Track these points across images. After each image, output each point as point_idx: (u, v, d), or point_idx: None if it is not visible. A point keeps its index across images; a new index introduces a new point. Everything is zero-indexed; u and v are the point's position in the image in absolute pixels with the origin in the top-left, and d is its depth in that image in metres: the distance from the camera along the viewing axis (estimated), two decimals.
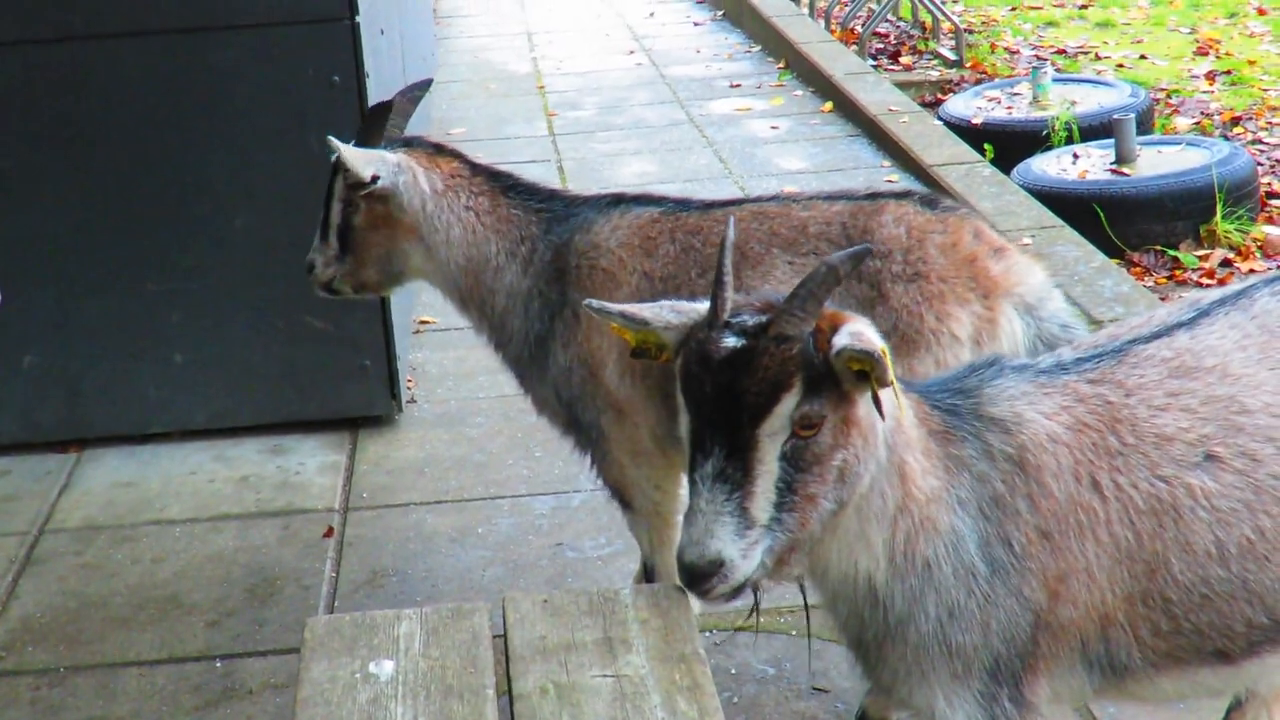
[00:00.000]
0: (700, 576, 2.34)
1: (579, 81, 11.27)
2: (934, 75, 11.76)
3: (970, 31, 12.88)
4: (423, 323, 6.57)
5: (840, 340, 2.37)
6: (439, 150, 4.06)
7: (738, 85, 10.80)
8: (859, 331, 2.40)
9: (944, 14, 12.34)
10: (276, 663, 4.26)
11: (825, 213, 3.66)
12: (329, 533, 4.93)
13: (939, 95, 11.15)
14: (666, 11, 14.07)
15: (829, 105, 9.90)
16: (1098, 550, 2.53)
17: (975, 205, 7.41)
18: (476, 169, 4.04)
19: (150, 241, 5.33)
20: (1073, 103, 9.40)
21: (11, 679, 4.23)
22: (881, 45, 12.77)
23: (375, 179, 3.88)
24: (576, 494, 5.08)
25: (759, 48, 12.03)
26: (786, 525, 2.39)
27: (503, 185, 4.02)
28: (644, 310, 2.60)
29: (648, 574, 4.05)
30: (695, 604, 2.55)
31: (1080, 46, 12.62)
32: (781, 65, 11.23)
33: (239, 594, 4.61)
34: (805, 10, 13.04)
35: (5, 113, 5.13)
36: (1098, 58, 12.17)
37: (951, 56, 12.01)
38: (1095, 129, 8.96)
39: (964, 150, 8.37)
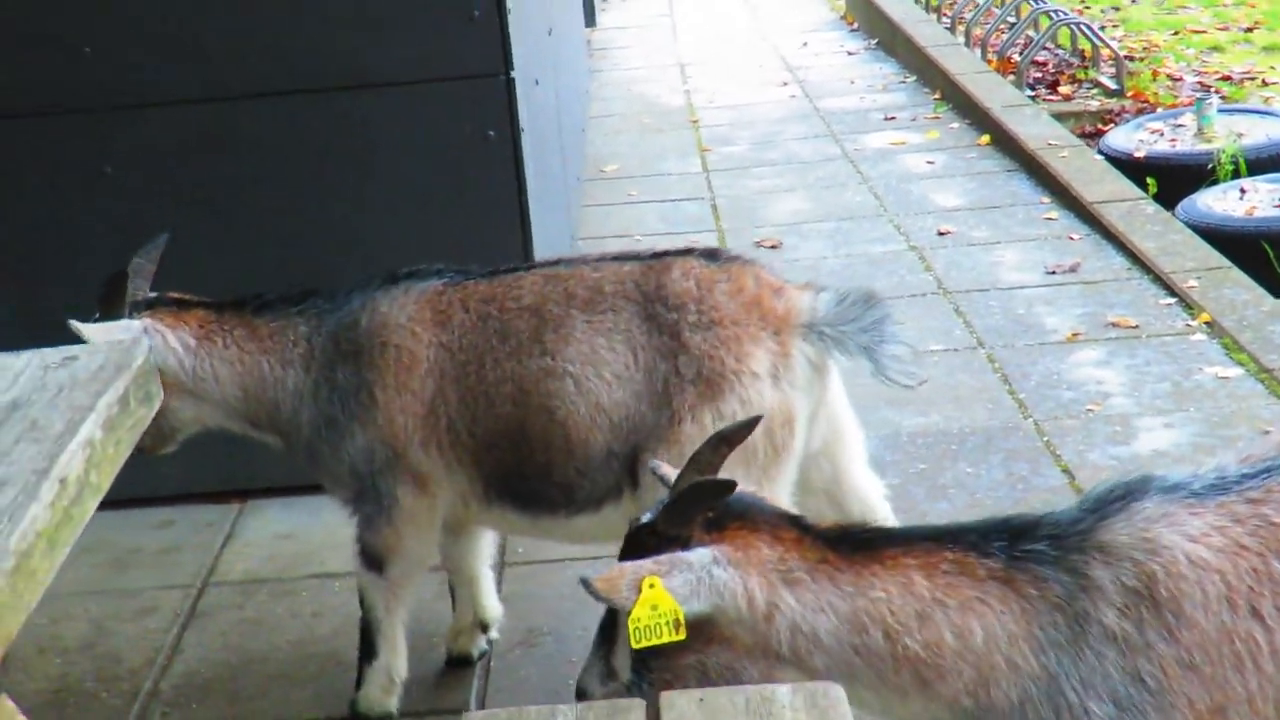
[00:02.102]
0: (580, 695, 2.85)
1: (732, 115, 11.26)
2: (1094, 105, 11.55)
3: (1131, 59, 12.62)
4: None
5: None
6: (182, 305, 4.07)
7: (892, 118, 10.71)
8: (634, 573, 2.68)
9: (1103, 41, 12.12)
10: None
11: (618, 272, 3.82)
12: None
13: (1099, 126, 10.94)
14: (820, 41, 14.01)
15: (986, 138, 9.77)
16: (1261, 680, 2.43)
17: (1138, 245, 7.24)
18: (223, 308, 4.07)
19: None
20: (1239, 134, 9.17)
21: None
22: (1039, 74, 12.57)
23: None
24: None
25: (914, 78, 11.92)
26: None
27: (253, 308, 4.07)
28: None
29: (366, 635, 4.15)
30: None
31: (1246, 72, 12.32)
32: (937, 96, 11.11)
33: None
34: (961, 39, 12.88)
35: (157, 173, 5.23)
36: (1265, 84, 11.86)
37: (1112, 85, 11.78)
38: (1264, 162, 8.72)
39: (1125, 186, 8.20)
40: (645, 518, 2.81)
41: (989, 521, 2.71)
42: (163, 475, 5.45)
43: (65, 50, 5.08)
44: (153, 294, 4.07)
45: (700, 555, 2.68)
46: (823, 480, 3.97)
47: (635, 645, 2.65)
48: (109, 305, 3.95)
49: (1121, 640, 2.47)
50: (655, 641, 2.63)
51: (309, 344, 3.98)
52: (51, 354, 2.20)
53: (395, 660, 4.19)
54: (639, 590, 2.61)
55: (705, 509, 2.72)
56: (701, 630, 2.67)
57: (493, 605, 4.55)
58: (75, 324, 3.80)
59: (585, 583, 2.69)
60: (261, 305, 4.08)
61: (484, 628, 4.54)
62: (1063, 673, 2.48)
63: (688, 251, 3.88)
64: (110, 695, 4.48)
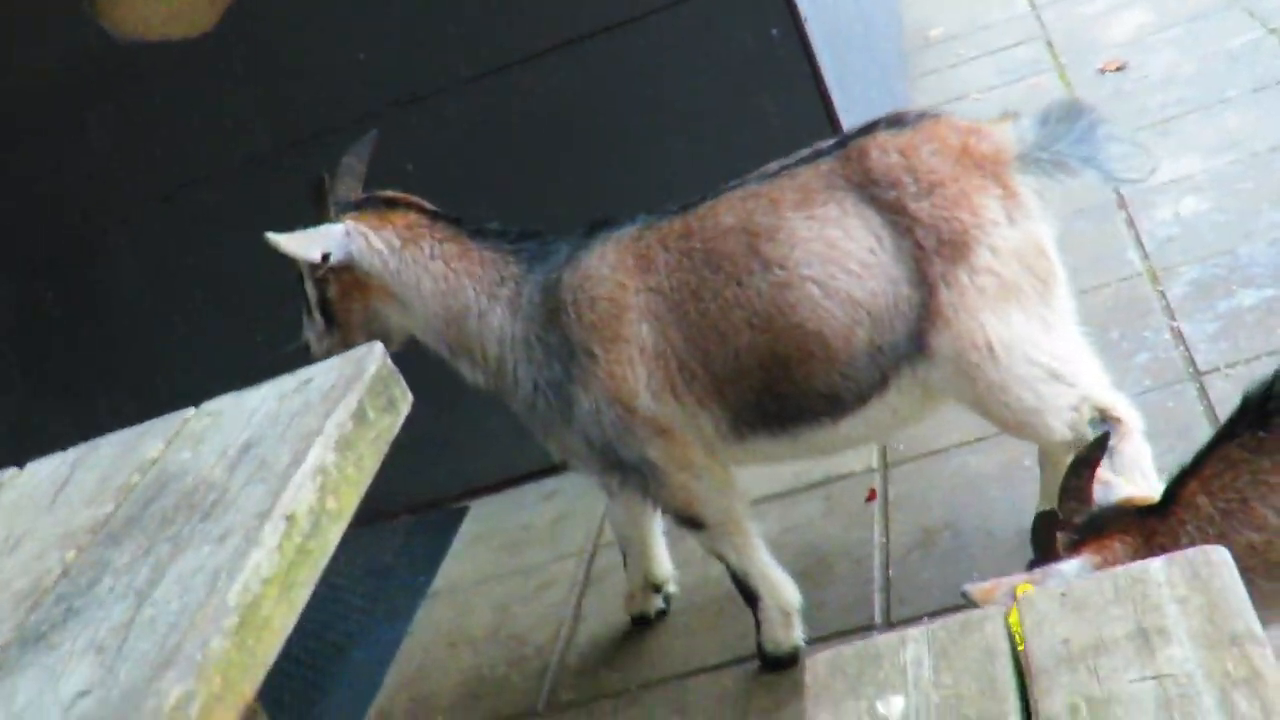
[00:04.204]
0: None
1: None
2: None
3: None
4: None
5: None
6: (391, 205, 3.89)
7: None
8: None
9: None
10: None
11: (815, 170, 3.62)
12: (871, 495, 4.74)
13: None
14: None
15: None
16: None
17: None
18: (436, 217, 3.89)
19: None
20: None
21: (591, 705, 4.28)
22: None
23: (326, 257, 3.78)
24: None
25: None
26: None
27: (469, 230, 3.88)
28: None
29: (740, 584, 4.02)
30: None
31: None
32: None
33: (794, 578, 4.48)
34: None
35: (454, 157, 5.20)
36: None
37: None
38: None
39: None
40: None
41: None
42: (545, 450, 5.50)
43: (345, 63, 5.12)
44: (364, 195, 3.98)
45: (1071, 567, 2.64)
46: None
47: None
48: (317, 209, 3.89)
49: None
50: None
51: (517, 287, 3.81)
52: (288, 381, 2.11)
53: (781, 595, 4.05)
54: (1014, 599, 2.42)
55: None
56: None
57: (663, 566, 4.48)
58: (271, 236, 3.73)
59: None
60: (479, 230, 3.93)
61: (656, 588, 4.47)
62: None
63: (871, 126, 3.63)
64: (521, 677, 4.49)
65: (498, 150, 5.18)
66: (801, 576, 4.42)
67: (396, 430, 2.04)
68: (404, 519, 5.75)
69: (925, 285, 3.53)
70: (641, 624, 4.49)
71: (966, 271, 3.48)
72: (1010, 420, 3.68)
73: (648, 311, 3.67)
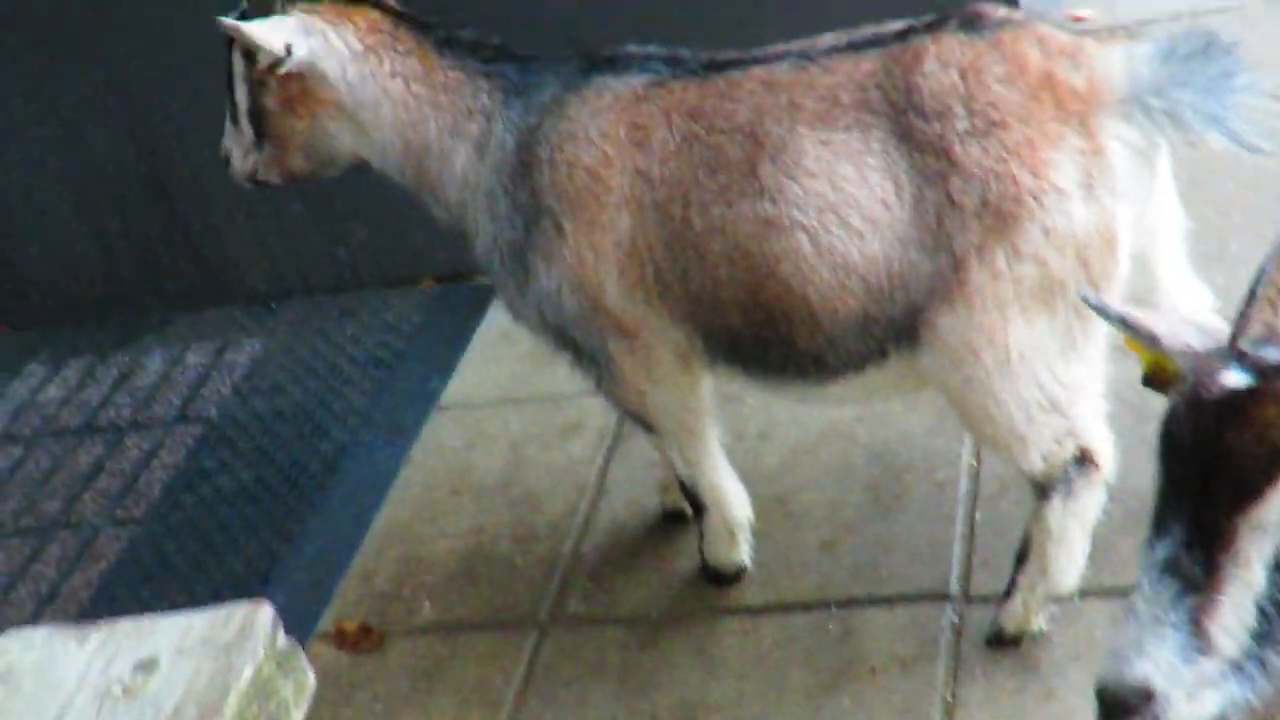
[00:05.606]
0: (1117, 708, 1.64)
1: None
2: None
3: None
4: None
5: None
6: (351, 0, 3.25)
7: None
8: None
9: None
10: (904, 618, 3.37)
11: (854, 74, 2.87)
12: None
13: None
14: None
15: None
16: None
17: None
18: (400, 20, 3.25)
19: None
20: None
21: (599, 630, 3.59)
22: None
23: (289, 50, 3.17)
24: None
25: None
26: (1273, 670, 1.65)
27: (436, 40, 3.23)
28: (1156, 321, 1.88)
29: (686, 491, 3.48)
30: None
31: None
32: None
33: (858, 495, 3.72)
34: None
35: None
36: None
37: None
38: None
39: None
40: None
41: None
42: None
43: None
44: None
45: None
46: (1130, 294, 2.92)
47: None
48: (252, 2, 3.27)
49: None
50: None
51: (486, 125, 3.20)
52: (118, 668, 1.34)
53: (729, 511, 3.48)
54: None
55: None
56: None
57: None
58: (225, 21, 3.18)
59: None
60: (447, 40, 3.24)
61: None
62: None
63: (941, 22, 2.86)
64: (527, 565, 3.81)
65: None
66: (869, 495, 3.72)
67: None
68: (430, 286, 4.98)
69: (948, 254, 2.78)
70: (674, 520, 3.78)
71: (1006, 252, 2.77)
72: (986, 434, 3.04)
73: (631, 199, 3.05)
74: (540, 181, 3.12)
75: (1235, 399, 1.68)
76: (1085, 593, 3.18)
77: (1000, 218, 2.75)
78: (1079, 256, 2.78)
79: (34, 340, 5.24)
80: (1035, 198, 2.74)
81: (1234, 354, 1.74)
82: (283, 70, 3.20)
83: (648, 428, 3.42)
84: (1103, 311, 1.96)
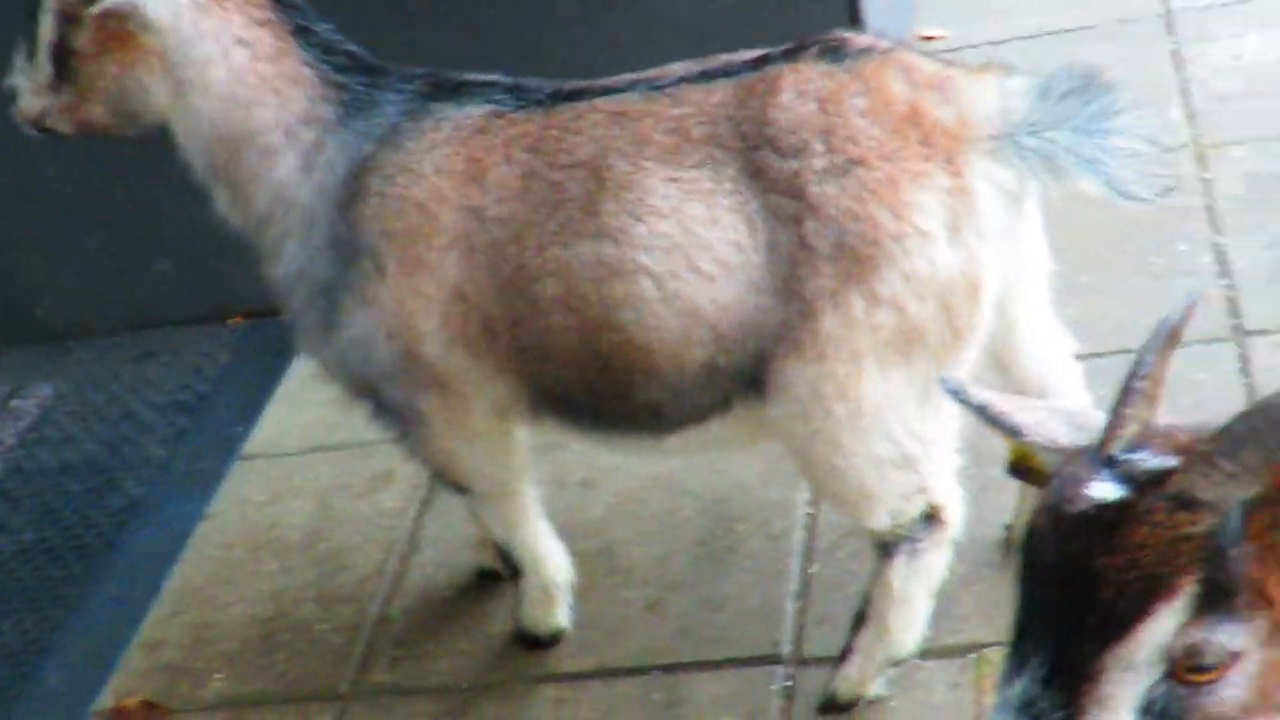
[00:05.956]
0: None
1: None
2: None
3: None
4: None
5: None
6: None
7: None
8: None
9: None
10: (733, 683, 3.11)
11: (706, 105, 2.67)
12: None
13: None
14: None
15: None
16: None
17: None
18: None
19: None
20: None
21: (406, 701, 3.29)
22: None
23: None
24: None
25: None
26: None
27: (295, 23, 2.92)
28: (1021, 411, 1.69)
29: (501, 552, 3.27)
30: None
31: None
32: None
33: (687, 548, 3.46)
34: None
35: None
36: None
37: None
38: None
39: None
40: None
41: None
42: None
43: None
44: None
45: None
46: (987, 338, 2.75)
47: None
48: None
49: None
50: None
51: (321, 137, 2.89)
52: None
53: (546, 573, 3.23)
54: None
55: None
56: None
57: None
58: None
59: None
60: (308, 30, 2.93)
61: None
62: None
63: (800, 50, 2.66)
64: (329, 630, 3.50)
65: None
66: (698, 549, 3.43)
67: None
68: (238, 323, 4.65)
69: (800, 300, 2.57)
70: (489, 578, 3.49)
71: (863, 298, 2.57)
72: (831, 489, 2.86)
73: (462, 238, 2.80)
74: (365, 215, 2.86)
75: (1105, 515, 1.48)
76: (926, 653, 2.98)
77: (857, 261, 2.55)
78: (941, 304, 2.58)
79: None
80: (896, 240, 2.54)
81: (1105, 460, 1.53)
82: (99, 8, 2.84)
83: (458, 488, 3.16)
84: (961, 399, 1.75)
